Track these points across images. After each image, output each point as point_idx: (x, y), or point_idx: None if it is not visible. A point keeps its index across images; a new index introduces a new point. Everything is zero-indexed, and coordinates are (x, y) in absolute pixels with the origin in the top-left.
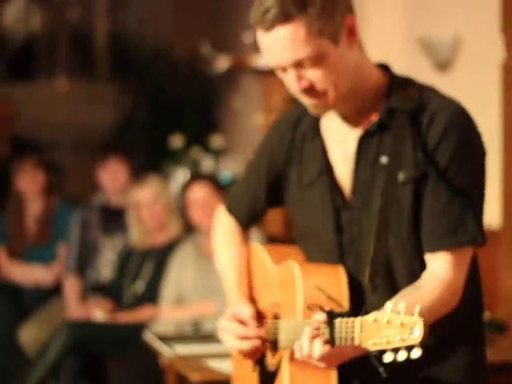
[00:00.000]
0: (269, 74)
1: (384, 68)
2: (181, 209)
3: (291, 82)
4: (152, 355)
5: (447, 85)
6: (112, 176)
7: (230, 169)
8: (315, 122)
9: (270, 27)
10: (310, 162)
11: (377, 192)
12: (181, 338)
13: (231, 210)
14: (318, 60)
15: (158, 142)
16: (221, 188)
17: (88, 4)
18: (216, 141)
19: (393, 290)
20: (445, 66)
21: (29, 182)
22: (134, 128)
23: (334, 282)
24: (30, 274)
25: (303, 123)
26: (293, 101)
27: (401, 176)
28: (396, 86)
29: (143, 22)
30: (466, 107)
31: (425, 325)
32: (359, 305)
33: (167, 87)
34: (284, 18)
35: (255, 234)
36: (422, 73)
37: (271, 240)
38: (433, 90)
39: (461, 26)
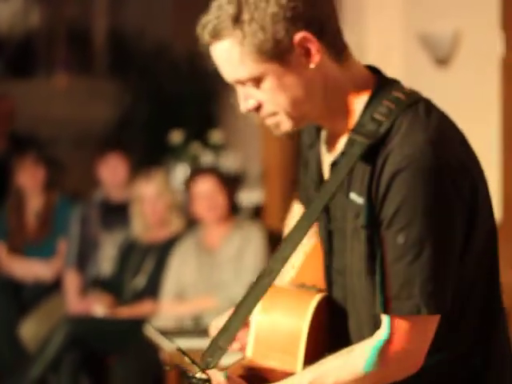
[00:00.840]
0: None
1: (375, 73)
2: (183, 204)
3: (239, 99)
4: (152, 350)
5: (446, 81)
6: (112, 171)
7: (230, 164)
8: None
9: (207, 42)
10: (311, 173)
11: (349, 228)
12: (181, 332)
13: (300, 200)
14: (260, 81)
15: (157, 137)
16: (225, 181)
17: (87, 0)
18: (216, 136)
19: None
20: (444, 62)
21: (29, 178)
22: (133, 124)
23: (296, 320)
24: (29, 270)
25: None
26: None
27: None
28: (374, 103)
29: (142, 18)
30: (432, 144)
31: None
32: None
33: (166, 83)
34: (216, 34)
35: (255, 227)
36: (422, 69)
37: (272, 235)
38: (411, 114)
39: (460, 22)
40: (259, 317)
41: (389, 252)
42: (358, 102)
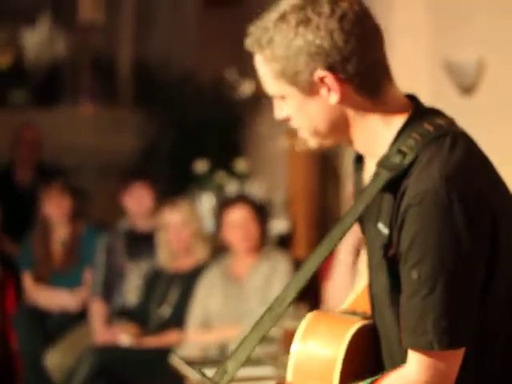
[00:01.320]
0: None
1: (412, 101)
2: (209, 232)
3: (275, 108)
4: (178, 379)
5: (472, 109)
6: (137, 201)
7: (255, 192)
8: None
9: (250, 50)
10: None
11: (376, 258)
12: (206, 361)
13: None
14: (284, 100)
15: (182, 166)
16: (257, 210)
17: (112, 29)
18: (240, 165)
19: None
20: (469, 90)
21: (55, 208)
22: (158, 153)
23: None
24: (55, 299)
25: None
26: None
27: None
28: (403, 136)
29: (168, 47)
30: (447, 180)
31: None
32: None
33: (191, 112)
34: (255, 46)
35: (283, 256)
36: (447, 97)
37: (299, 264)
38: (434, 147)
39: (484, 50)
40: (299, 344)
41: (405, 286)
42: (390, 134)
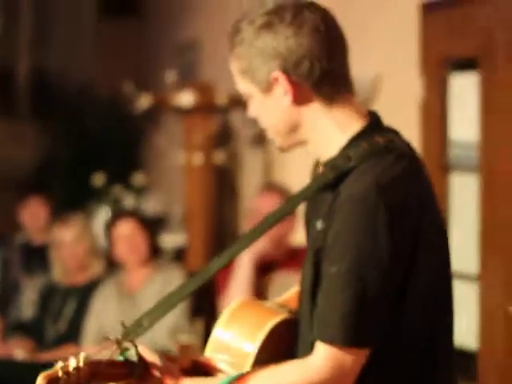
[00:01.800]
0: (190, 112)
1: (370, 115)
2: (103, 247)
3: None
4: None
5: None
6: (32, 215)
7: (152, 206)
8: None
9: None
10: None
11: (308, 253)
12: None
13: None
14: (249, 98)
15: (79, 180)
16: (145, 224)
17: (10, 41)
18: (138, 179)
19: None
20: (365, 105)
21: None
22: (55, 166)
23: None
24: None
25: None
26: (214, 139)
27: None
28: (353, 143)
29: (66, 60)
30: (378, 188)
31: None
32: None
33: (89, 125)
34: (229, 44)
35: (177, 269)
36: None
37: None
38: (378, 158)
39: (381, 66)
40: (221, 325)
41: (323, 280)
42: (343, 140)
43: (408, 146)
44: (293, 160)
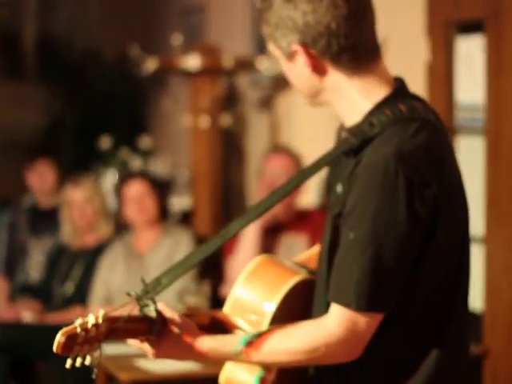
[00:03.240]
0: (197, 75)
1: (396, 83)
2: (112, 209)
3: None
4: None
5: None
6: (40, 178)
7: (159, 169)
8: None
9: None
10: None
11: (328, 216)
12: None
13: None
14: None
15: (86, 143)
16: (155, 185)
17: (16, 5)
18: (144, 142)
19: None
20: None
21: None
22: (62, 130)
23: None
24: None
25: None
26: (221, 102)
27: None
28: (377, 110)
29: (72, 23)
30: (398, 157)
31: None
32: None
33: (96, 89)
34: (262, 9)
35: (185, 232)
36: None
37: (201, 240)
38: (400, 126)
39: (386, 28)
40: (242, 281)
41: (341, 245)
42: (367, 106)
43: (433, 113)
44: (299, 122)
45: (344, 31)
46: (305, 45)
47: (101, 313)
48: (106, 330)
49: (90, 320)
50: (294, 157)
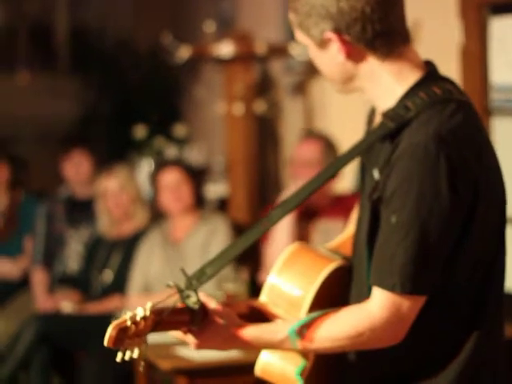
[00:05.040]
0: (230, 62)
1: (428, 66)
2: (148, 198)
3: None
4: None
5: None
6: (76, 168)
7: (194, 157)
8: None
9: None
10: None
11: (364, 201)
12: None
13: None
14: (307, 47)
15: (121, 132)
16: (190, 173)
17: None
18: (179, 130)
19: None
20: None
21: None
22: (97, 120)
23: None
24: None
25: None
26: (254, 89)
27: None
28: (411, 93)
29: (104, 14)
30: (439, 139)
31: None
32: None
33: (129, 78)
34: None
35: (221, 219)
36: None
37: (237, 227)
38: (437, 108)
39: (419, 12)
40: (277, 270)
41: (383, 229)
42: (400, 90)
43: (464, 95)
44: (333, 107)
45: (378, 16)
46: (339, 31)
47: (148, 305)
48: (152, 323)
49: (139, 313)
50: (326, 142)
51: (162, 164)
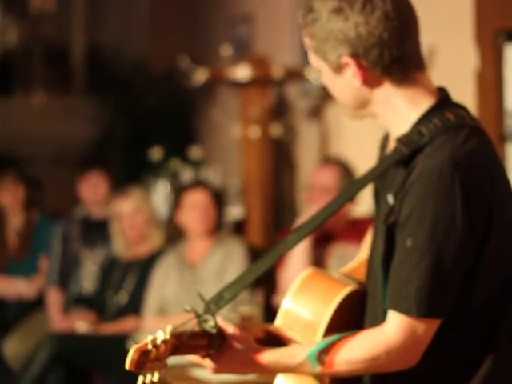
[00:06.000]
0: (247, 86)
1: (440, 92)
2: (163, 219)
3: None
4: None
5: None
6: (92, 189)
7: (210, 179)
8: None
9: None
10: None
11: (379, 226)
12: None
13: None
14: (320, 71)
15: (137, 154)
16: (216, 195)
17: (64, 18)
18: (195, 152)
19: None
20: None
21: (9, 197)
22: (112, 141)
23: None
24: (12, 287)
25: None
26: (270, 112)
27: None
28: (425, 119)
29: (120, 35)
30: (454, 163)
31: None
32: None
33: (145, 100)
34: (301, 22)
35: (237, 242)
36: None
37: (252, 250)
38: (451, 134)
39: (436, 37)
40: (291, 295)
41: (398, 253)
42: (414, 116)
43: (476, 121)
44: (349, 131)
45: (395, 42)
46: (356, 56)
47: (168, 328)
48: (172, 347)
49: (160, 336)
50: (344, 168)
51: (189, 184)
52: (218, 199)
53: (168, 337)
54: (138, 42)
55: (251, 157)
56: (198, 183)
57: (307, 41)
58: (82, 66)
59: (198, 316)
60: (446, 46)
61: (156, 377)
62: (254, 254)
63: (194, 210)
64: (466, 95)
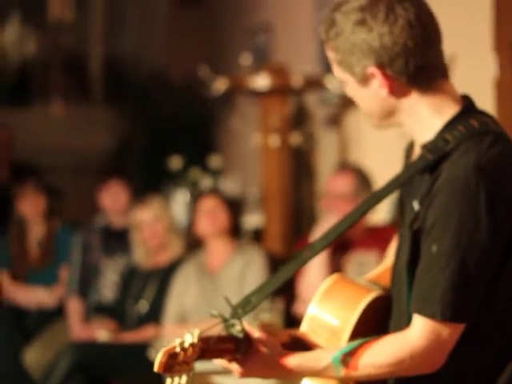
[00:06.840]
0: (266, 95)
1: (464, 100)
2: (184, 229)
3: None
4: (156, 374)
5: None
6: (113, 198)
7: (229, 188)
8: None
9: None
10: None
11: (404, 232)
12: None
13: None
14: (345, 83)
15: (156, 163)
16: (227, 201)
17: (83, 28)
18: (214, 161)
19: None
20: None
21: (30, 206)
22: (132, 151)
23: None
24: (33, 297)
25: None
26: (290, 121)
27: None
28: (449, 126)
29: (139, 45)
30: (479, 170)
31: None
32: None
33: (164, 110)
34: (323, 36)
35: (256, 250)
36: None
37: (272, 258)
38: (475, 140)
39: (454, 45)
40: (317, 301)
41: (423, 258)
42: (439, 124)
43: (501, 127)
44: (368, 139)
45: (420, 50)
46: (382, 66)
47: (196, 332)
48: (199, 350)
49: (188, 339)
50: (360, 174)
51: (199, 194)
52: (231, 205)
53: (196, 340)
54: (156, 52)
55: (271, 165)
56: (210, 191)
57: (331, 55)
58: (101, 76)
59: (224, 320)
60: (465, 54)
61: (184, 380)
62: (274, 262)
63: (204, 215)
64: (484, 103)
